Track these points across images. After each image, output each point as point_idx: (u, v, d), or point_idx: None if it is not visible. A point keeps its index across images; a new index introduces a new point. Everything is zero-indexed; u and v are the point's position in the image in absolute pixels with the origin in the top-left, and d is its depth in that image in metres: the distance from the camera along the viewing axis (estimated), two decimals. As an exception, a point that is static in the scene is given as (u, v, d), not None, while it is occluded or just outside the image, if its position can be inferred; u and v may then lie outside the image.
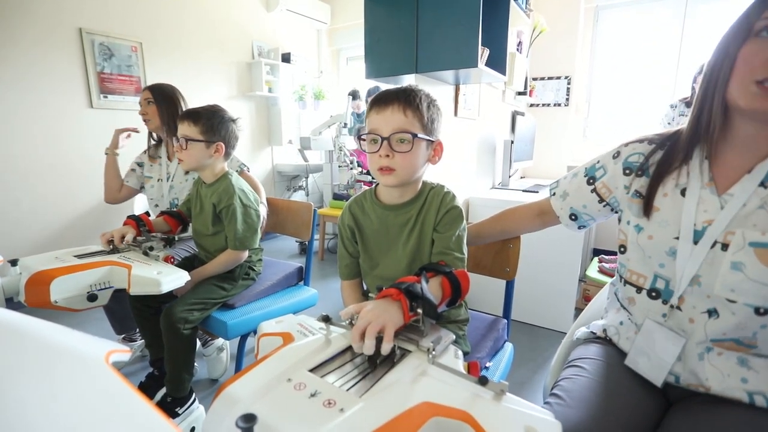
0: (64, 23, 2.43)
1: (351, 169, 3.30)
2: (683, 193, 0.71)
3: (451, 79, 1.86)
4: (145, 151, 1.72)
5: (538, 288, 2.07)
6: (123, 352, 0.45)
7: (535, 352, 1.86)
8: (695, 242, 0.68)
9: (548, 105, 3.13)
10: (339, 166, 3.41)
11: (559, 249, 1.98)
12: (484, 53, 1.62)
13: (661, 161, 0.74)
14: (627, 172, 0.78)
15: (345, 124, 3.26)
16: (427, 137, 0.80)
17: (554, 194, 0.93)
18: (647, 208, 0.74)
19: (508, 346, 1.10)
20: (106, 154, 1.67)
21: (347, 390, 0.51)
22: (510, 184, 2.55)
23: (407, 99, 0.77)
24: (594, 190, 0.85)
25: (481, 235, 1.06)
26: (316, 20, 4.07)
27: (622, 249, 0.80)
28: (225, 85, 3.51)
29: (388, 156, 0.77)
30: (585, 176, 0.87)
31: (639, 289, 0.76)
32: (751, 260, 0.62)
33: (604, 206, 0.85)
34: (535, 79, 3.11)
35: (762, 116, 0.60)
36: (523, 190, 2.41)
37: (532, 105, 3.17)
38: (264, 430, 0.42)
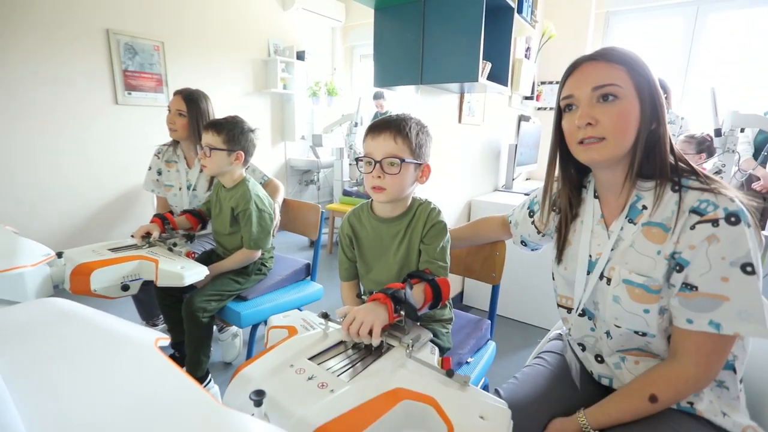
0: (93, 25, 2.59)
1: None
2: None
3: (455, 89, 1.95)
4: (156, 155, 1.75)
5: (528, 287, 2.17)
6: (165, 339, 0.58)
7: (524, 348, 1.98)
8: (588, 272, 0.78)
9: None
10: (350, 164, 3.52)
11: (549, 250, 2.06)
12: (485, 68, 1.70)
13: (566, 203, 0.84)
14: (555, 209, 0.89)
15: (356, 123, 3.37)
16: (415, 161, 0.90)
17: (510, 222, 1.07)
18: (562, 244, 0.84)
19: (491, 345, 1.21)
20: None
21: (338, 376, 0.64)
22: (513, 186, 2.63)
23: (398, 127, 0.87)
24: (533, 223, 0.98)
25: (459, 237, 1.16)
26: (331, 18, 4.16)
27: (553, 276, 0.90)
28: (241, 82, 3.64)
29: (380, 177, 0.88)
30: (527, 209, 0.98)
31: (569, 310, 0.85)
32: (624, 295, 0.71)
33: (542, 237, 0.98)
34: (543, 83, 3.16)
35: (596, 164, 0.73)
36: (525, 194, 2.49)
37: (539, 109, 3.23)
38: (271, 402, 0.55)
